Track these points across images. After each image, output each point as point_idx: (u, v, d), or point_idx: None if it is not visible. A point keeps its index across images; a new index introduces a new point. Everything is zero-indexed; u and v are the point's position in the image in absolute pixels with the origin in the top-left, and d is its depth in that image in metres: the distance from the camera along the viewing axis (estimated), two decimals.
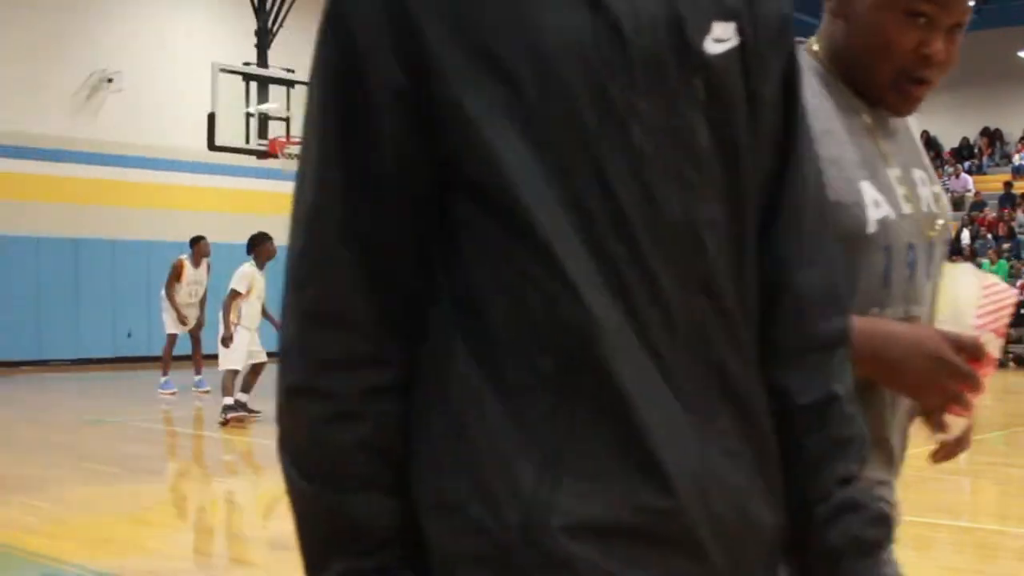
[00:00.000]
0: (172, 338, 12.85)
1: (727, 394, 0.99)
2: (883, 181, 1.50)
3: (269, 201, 18.32)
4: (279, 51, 15.47)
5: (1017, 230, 23.82)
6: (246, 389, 10.41)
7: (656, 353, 0.94)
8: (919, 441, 1.59)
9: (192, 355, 12.97)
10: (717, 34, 0.98)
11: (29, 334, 17.08)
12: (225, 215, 18.28)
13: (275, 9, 15.73)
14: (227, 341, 10.18)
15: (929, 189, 1.58)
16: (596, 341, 0.92)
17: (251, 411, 10.40)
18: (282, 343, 0.98)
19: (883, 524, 1.06)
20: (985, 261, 21.15)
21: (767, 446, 1.02)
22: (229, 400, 10.27)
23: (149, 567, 5.27)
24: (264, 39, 15.55)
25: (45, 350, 17.29)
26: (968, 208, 25.00)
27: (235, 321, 10.22)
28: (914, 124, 1.66)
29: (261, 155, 14.19)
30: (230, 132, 13.64)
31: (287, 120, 14.07)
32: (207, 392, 12.56)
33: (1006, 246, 22.96)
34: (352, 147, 0.96)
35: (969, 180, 26.27)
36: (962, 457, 1.64)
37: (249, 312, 10.31)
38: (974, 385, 1.42)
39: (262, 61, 15.24)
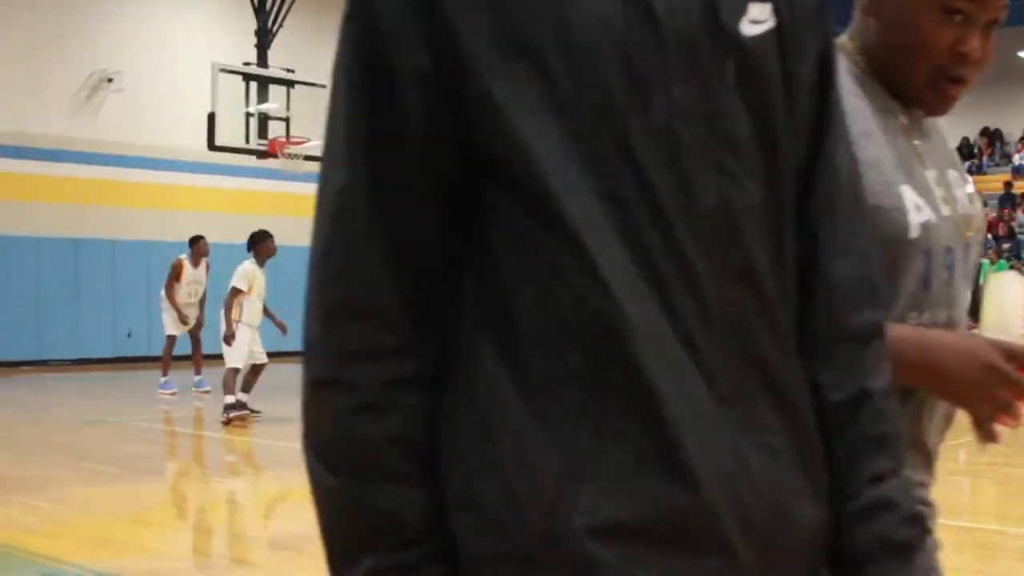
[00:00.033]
0: (172, 339, 12.85)
1: (767, 386, 0.96)
2: (921, 183, 1.47)
3: (269, 201, 18.36)
4: (279, 51, 15.49)
5: (1017, 230, 23.83)
6: (246, 389, 10.42)
7: (691, 344, 0.92)
8: None
9: (192, 355, 12.97)
10: (754, 15, 0.96)
11: (29, 334, 17.08)
12: (225, 215, 18.27)
13: (275, 9, 15.73)
14: (229, 339, 10.20)
15: (963, 190, 1.56)
16: (626, 337, 0.90)
17: (251, 411, 10.41)
18: (306, 337, 0.97)
19: (916, 524, 1.02)
20: (985, 261, 21.16)
21: (810, 440, 0.99)
22: (231, 399, 10.28)
23: (149, 567, 5.27)
24: (264, 39, 15.54)
25: (45, 350, 17.29)
26: None
27: (236, 319, 10.24)
28: (944, 125, 1.62)
29: (261, 155, 14.18)
30: (230, 132, 13.63)
31: (287, 120, 14.06)
32: (207, 392, 12.56)
33: (1006, 246, 22.98)
34: (378, 132, 0.94)
35: (969, 180, 26.25)
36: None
37: (250, 309, 10.33)
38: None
39: (262, 61, 15.24)
